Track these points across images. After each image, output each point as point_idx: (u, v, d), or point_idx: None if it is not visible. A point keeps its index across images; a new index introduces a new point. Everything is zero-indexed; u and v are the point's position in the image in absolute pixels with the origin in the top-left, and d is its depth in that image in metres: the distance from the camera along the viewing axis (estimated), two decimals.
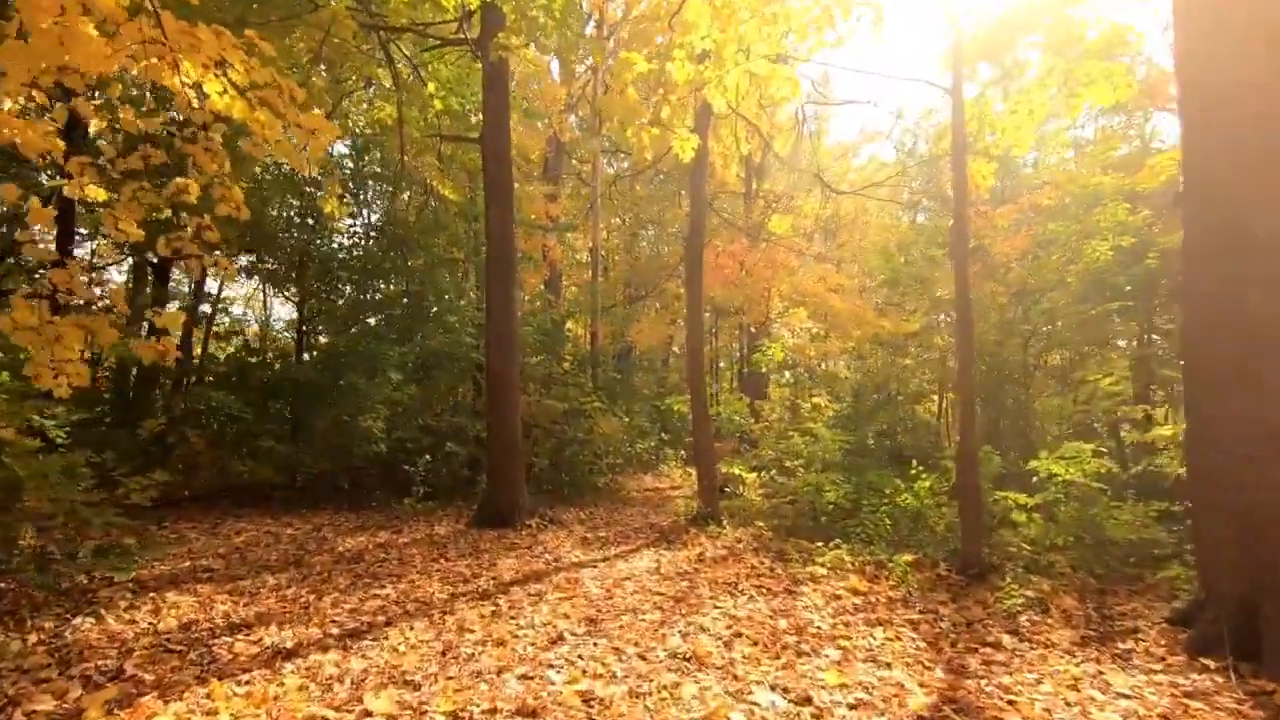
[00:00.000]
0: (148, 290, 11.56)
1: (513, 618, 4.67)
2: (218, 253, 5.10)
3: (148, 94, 6.41)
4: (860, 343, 14.37)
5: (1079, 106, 8.48)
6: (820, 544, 7.13)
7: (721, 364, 31.24)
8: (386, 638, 4.19)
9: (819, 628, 4.57)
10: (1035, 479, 6.64)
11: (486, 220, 8.68)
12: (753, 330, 19.54)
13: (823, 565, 6.04)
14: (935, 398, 18.81)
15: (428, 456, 8.82)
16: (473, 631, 4.36)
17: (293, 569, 6.04)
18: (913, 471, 6.81)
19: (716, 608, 4.97)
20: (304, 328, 12.61)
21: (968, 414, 6.02)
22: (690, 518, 8.57)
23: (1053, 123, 14.44)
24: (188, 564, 6.13)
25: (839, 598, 5.26)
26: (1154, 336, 10.29)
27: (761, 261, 16.55)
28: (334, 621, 4.49)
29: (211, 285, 14.92)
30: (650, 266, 23.02)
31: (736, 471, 8.98)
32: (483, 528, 8.08)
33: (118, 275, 16.42)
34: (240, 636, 4.13)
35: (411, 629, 4.38)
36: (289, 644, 4.04)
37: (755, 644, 4.19)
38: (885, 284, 14.02)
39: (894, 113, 26.99)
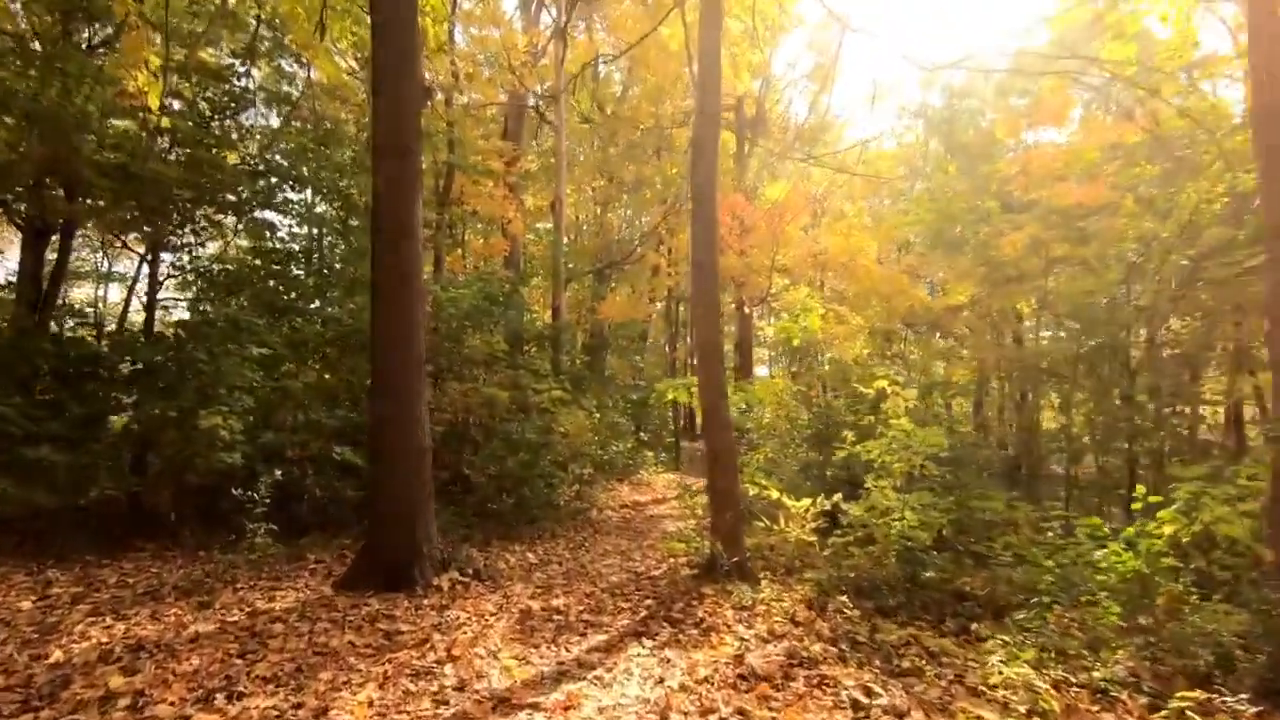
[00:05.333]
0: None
1: None
2: None
3: None
4: (892, 317, 11.52)
5: None
6: (929, 622, 4.12)
7: (696, 360, 28.34)
8: None
9: None
10: None
11: (373, 98, 5.41)
12: (747, 310, 16.54)
13: (1013, 711, 2.95)
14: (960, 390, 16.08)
15: (279, 473, 5.53)
16: None
17: None
18: (1137, 502, 3.72)
19: None
20: (154, 292, 9.17)
21: None
22: (700, 565, 5.45)
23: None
24: None
25: None
26: None
27: (763, 222, 13.56)
28: None
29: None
30: (625, 241, 19.92)
31: (773, 494, 5.91)
32: (359, 592, 4.85)
33: None
34: None
35: None
36: None
37: None
38: (928, 233, 11.09)
39: None
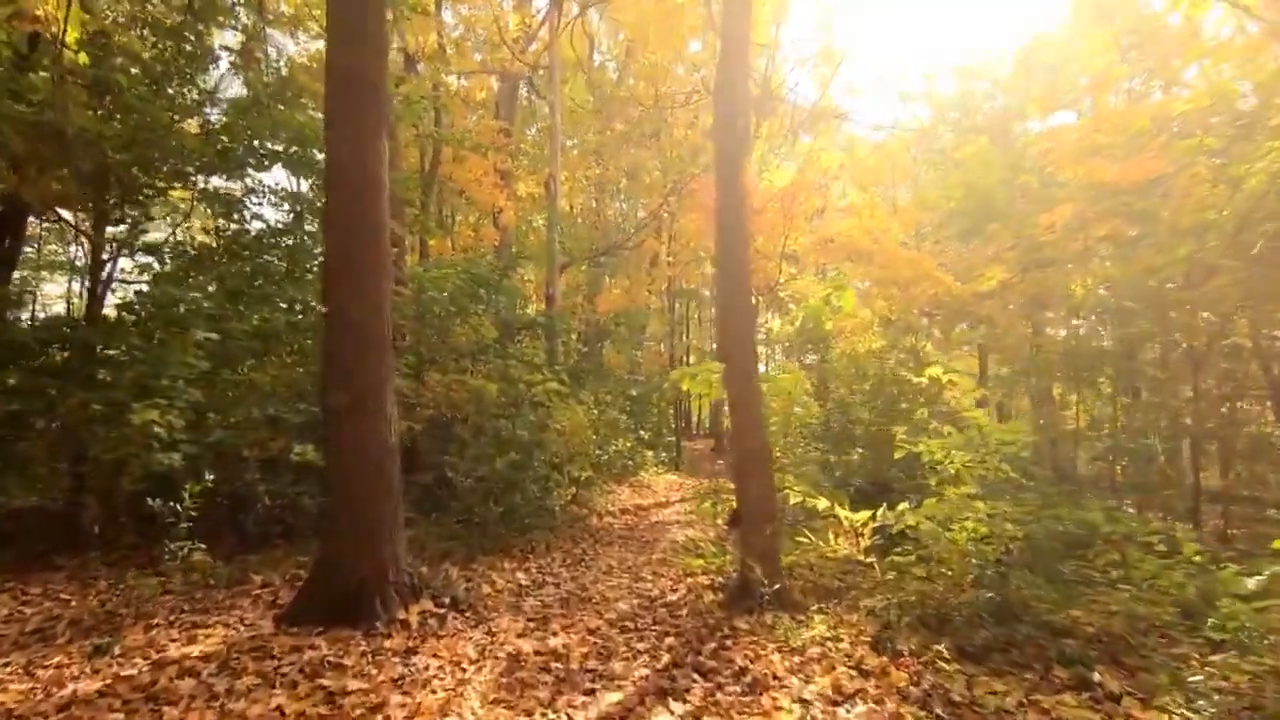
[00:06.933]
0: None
1: None
2: None
3: None
4: (911, 306, 10.62)
5: None
6: (1034, 670, 3.19)
7: (693, 359, 27.40)
8: None
9: None
10: None
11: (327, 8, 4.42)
12: (753, 301, 15.60)
13: None
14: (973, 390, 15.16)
15: (210, 477, 4.54)
16: None
17: None
18: None
19: None
20: (98, 273, 8.16)
21: None
22: (727, 589, 4.49)
23: None
24: None
25: None
26: None
27: (773, 206, 12.63)
28: None
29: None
30: (622, 230, 18.91)
31: (820, 502, 4.94)
32: (306, 628, 3.85)
33: None
34: None
35: None
36: None
37: None
38: (958, 211, 10.14)
39: None
